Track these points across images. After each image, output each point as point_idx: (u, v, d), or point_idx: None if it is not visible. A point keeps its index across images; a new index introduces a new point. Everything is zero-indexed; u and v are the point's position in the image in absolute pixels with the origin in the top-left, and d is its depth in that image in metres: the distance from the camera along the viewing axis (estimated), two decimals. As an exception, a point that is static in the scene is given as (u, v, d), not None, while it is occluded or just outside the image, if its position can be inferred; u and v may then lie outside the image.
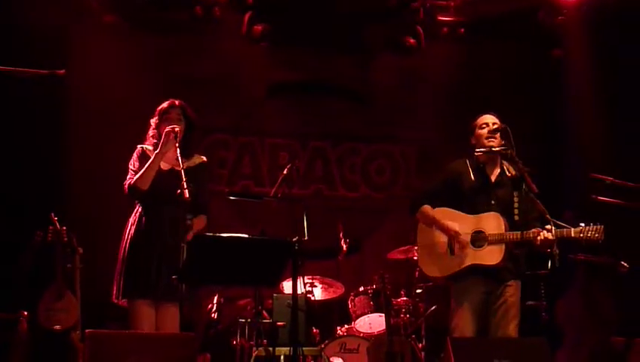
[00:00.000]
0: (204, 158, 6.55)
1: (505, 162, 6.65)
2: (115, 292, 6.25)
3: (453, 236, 6.49)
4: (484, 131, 6.61)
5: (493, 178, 6.63)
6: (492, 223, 6.43)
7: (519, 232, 6.28)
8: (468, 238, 6.45)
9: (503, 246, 6.36)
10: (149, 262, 6.13)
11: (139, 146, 6.44)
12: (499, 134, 6.52)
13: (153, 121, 6.47)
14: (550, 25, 9.90)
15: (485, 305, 6.45)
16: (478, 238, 6.44)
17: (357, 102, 10.74)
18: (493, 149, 6.54)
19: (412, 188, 10.18)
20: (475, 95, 10.01)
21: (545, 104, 10.73)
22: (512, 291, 6.48)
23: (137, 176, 6.21)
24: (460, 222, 6.54)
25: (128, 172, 6.34)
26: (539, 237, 6.24)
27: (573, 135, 10.19)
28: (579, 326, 8.82)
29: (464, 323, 6.39)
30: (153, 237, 6.19)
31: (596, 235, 6.21)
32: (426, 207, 6.66)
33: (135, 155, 6.39)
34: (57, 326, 7.91)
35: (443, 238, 6.59)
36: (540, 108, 10.76)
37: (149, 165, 6.21)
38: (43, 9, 8.98)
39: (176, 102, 6.47)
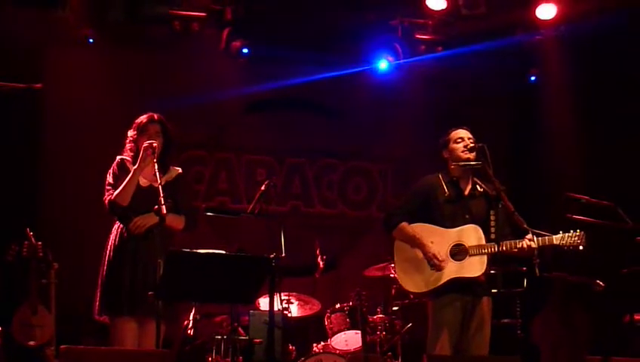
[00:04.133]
0: (180, 169, 6.54)
1: (476, 178, 6.67)
2: (96, 309, 6.22)
3: (430, 258, 6.49)
4: (460, 145, 6.62)
5: (466, 192, 6.65)
6: (472, 236, 6.44)
7: (499, 243, 6.28)
8: (446, 256, 6.45)
9: (485, 258, 6.38)
10: (129, 278, 6.11)
11: (118, 157, 6.42)
12: (475, 151, 6.54)
13: (131, 134, 6.45)
14: (527, 44, 9.94)
15: (462, 321, 6.46)
16: (458, 251, 6.45)
17: (334, 119, 10.76)
18: (470, 163, 6.55)
19: (389, 206, 10.18)
20: (452, 113, 10.04)
21: (520, 122, 10.80)
22: (486, 307, 6.50)
23: (117, 192, 6.19)
24: (440, 236, 6.52)
25: (106, 185, 6.31)
26: (521, 245, 6.27)
27: (548, 153, 10.25)
28: (554, 344, 8.86)
29: (443, 342, 6.37)
30: (133, 253, 6.17)
31: (577, 241, 6.26)
32: (404, 224, 6.62)
33: (114, 166, 6.36)
34: (32, 342, 7.86)
35: (421, 254, 6.56)
36: (516, 126, 10.83)
37: (128, 181, 6.19)
38: (20, 24, 8.97)
39: (155, 117, 6.45)
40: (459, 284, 6.42)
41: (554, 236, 6.31)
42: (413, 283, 6.60)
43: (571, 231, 6.30)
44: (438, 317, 6.47)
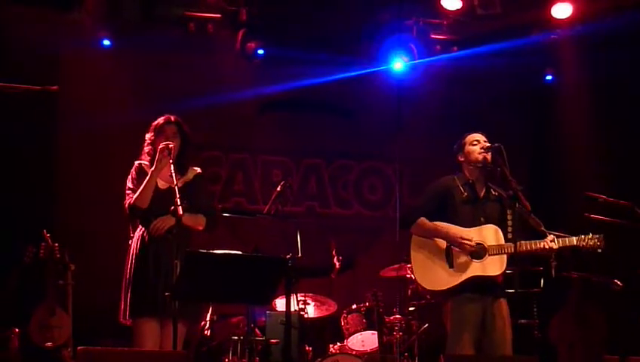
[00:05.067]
0: (199, 169, 6.54)
1: (490, 183, 6.65)
2: (122, 312, 6.24)
3: (459, 240, 6.47)
4: (476, 148, 6.62)
5: (481, 195, 6.64)
6: (491, 235, 6.44)
7: (520, 242, 6.26)
8: (473, 243, 6.43)
9: (505, 258, 6.37)
10: (152, 280, 6.13)
11: (136, 162, 6.43)
12: (491, 153, 6.53)
13: (148, 137, 6.46)
14: (543, 43, 9.91)
15: (481, 321, 6.43)
16: (478, 250, 6.43)
17: (349, 119, 10.76)
18: (488, 164, 6.54)
19: (404, 207, 10.17)
20: (467, 113, 10.03)
21: (537, 122, 10.77)
22: (505, 308, 6.49)
23: (136, 195, 6.20)
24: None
25: (126, 190, 6.32)
26: (542, 246, 6.27)
27: (565, 153, 10.22)
28: (572, 345, 8.83)
29: (465, 341, 6.34)
30: (155, 255, 6.18)
31: (597, 244, 6.27)
32: (423, 219, 6.61)
33: (133, 172, 6.38)
34: (49, 343, 7.89)
35: (440, 251, 6.54)
36: (533, 126, 10.81)
37: (146, 183, 6.20)
38: (35, 27, 9.01)
39: (172, 118, 6.46)
40: (478, 285, 6.41)
41: (574, 237, 6.33)
42: (432, 280, 6.56)
43: (591, 234, 6.31)
44: (458, 316, 6.43)
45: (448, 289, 6.47)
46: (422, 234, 6.63)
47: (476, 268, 6.41)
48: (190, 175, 6.46)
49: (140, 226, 6.31)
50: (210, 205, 6.62)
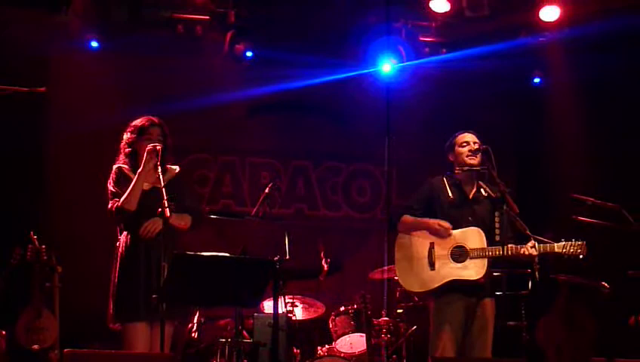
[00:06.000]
0: (177, 168, 6.49)
1: (481, 182, 6.67)
2: (110, 316, 6.21)
3: (436, 228, 6.47)
4: (465, 150, 6.65)
5: (470, 196, 6.65)
6: (473, 238, 6.45)
7: (500, 247, 6.28)
8: (447, 253, 6.45)
9: (485, 261, 6.38)
10: (143, 283, 6.09)
11: (115, 166, 6.39)
12: (479, 154, 6.55)
13: (128, 137, 6.43)
14: (531, 46, 9.92)
15: (464, 322, 6.45)
16: (460, 253, 6.44)
17: (338, 121, 10.76)
18: (475, 168, 6.56)
19: (393, 208, 10.17)
20: (456, 115, 10.03)
21: (526, 125, 10.78)
22: (489, 309, 6.51)
23: (123, 197, 6.16)
24: (441, 237, 6.53)
25: (109, 194, 6.28)
26: (522, 251, 6.28)
27: (553, 156, 10.24)
28: (559, 347, 8.83)
29: (445, 341, 6.38)
30: (146, 258, 6.16)
31: (578, 251, 6.30)
32: (407, 216, 6.66)
33: (114, 176, 6.33)
34: (36, 346, 7.86)
35: (423, 252, 6.57)
36: (521, 128, 10.82)
37: (133, 186, 6.16)
38: (23, 28, 8.98)
39: (156, 120, 6.44)
40: (461, 285, 6.42)
41: (555, 244, 6.37)
42: (412, 282, 6.62)
43: (573, 240, 6.34)
44: (440, 317, 6.48)
45: (429, 291, 6.50)
46: (406, 229, 6.66)
47: (456, 271, 6.43)
48: (171, 173, 6.41)
49: (125, 229, 6.29)
50: (195, 203, 6.60)
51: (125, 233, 6.28)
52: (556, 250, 6.34)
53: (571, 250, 6.31)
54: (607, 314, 8.42)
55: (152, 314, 6.04)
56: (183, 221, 6.33)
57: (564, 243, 6.33)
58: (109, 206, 6.24)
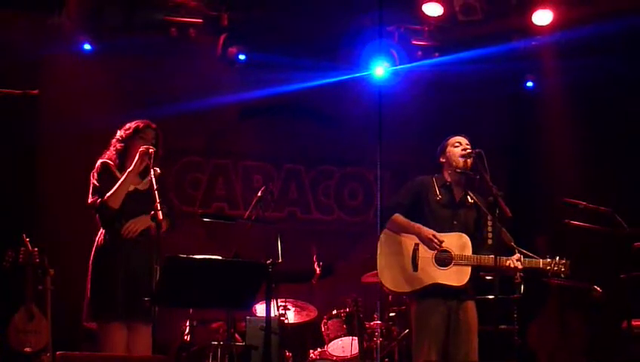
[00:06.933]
0: (158, 170, 6.42)
1: (469, 190, 6.66)
2: (85, 315, 6.20)
3: (429, 238, 6.45)
4: (458, 150, 6.63)
5: (457, 199, 6.64)
6: (458, 243, 6.44)
7: (486, 256, 6.29)
8: (441, 246, 6.44)
9: (469, 269, 6.37)
10: (122, 283, 6.09)
11: (101, 161, 6.40)
12: (472, 158, 6.54)
13: (121, 134, 6.45)
14: (524, 49, 9.94)
15: (446, 326, 6.43)
16: (444, 258, 6.43)
17: (330, 125, 10.76)
18: (466, 171, 6.56)
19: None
20: (448, 119, 10.05)
21: (518, 128, 10.81)
22: (471, 311, 6.50)
23: (109, 194, 6.17)
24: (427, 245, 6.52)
25: (90, 186, 6.28)
26: (507, 264, 6.28)
27: (546, 159, 10.26)
28: (551, 351, 8.85)
29: (427, 347, 6.35)
30: (120, 257, 6.16)
31: (562, 269, 6.33)
32: (397, 215, 6.62)
33: (98, 170, 6.34)
34: (28, 348, 7.85)
35: (407, 253, 6.52)
36: (513, 132, 10.84)
37: (121, 184, 6.18)
38: (17, 32, 8.97)
39: (153, 125, 6.46)
40: (442, 289, 6.41)
41: (541, 260, 6.38)
42: (395, 281, 6.54)
43: (557, 258, 6.36)
44: (421, 323, 6.44)
45: (409, 292, 6.48)
46: (395, 229, 6.61)
47: (439, 276, 6.41)
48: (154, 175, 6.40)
49: (104, 227, 6.28)
50: (171, 205, 6.60)
51: (103, 231, 6.28)
52: (541, 266, 6.35)
53: (555, 269, 6.33)
54: (600, 318, 8.44)
55: (129, 315, 6.05)
56: (165, 223, 6.32)
57: (549, 260, 6.35)
58: (90, 200, 6.26)
